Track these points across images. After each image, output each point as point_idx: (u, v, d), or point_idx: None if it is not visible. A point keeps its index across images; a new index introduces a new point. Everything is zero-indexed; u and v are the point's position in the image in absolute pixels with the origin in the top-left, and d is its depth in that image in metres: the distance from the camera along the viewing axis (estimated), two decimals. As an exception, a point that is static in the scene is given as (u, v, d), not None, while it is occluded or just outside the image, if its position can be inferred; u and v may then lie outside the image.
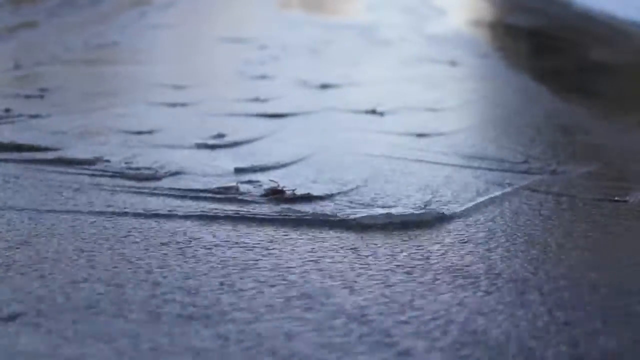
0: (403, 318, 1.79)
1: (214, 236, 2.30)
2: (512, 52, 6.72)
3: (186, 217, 2.46)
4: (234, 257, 2.14)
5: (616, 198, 2.66)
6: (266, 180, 2.80)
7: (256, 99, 4.32)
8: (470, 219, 2.46)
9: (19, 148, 3.24)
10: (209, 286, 1.95)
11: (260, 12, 9.51)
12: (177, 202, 2.60)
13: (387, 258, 2.14)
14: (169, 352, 1.64)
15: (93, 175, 2.90)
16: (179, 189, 2.74)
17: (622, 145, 3.37)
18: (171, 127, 3.68)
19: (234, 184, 2.77)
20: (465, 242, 2.27)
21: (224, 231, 2.34)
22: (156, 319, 1.78)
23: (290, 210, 2.52)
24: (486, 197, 2.66)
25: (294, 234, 2.33)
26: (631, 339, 1.72)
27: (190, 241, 2.26)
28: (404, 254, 2.18)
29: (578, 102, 4.41)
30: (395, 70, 5.47)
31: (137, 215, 2.47)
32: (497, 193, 2.71)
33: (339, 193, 2.69)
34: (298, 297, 1.90)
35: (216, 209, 2.53)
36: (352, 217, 2.45)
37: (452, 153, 3.24)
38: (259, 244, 2.25)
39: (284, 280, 1.99)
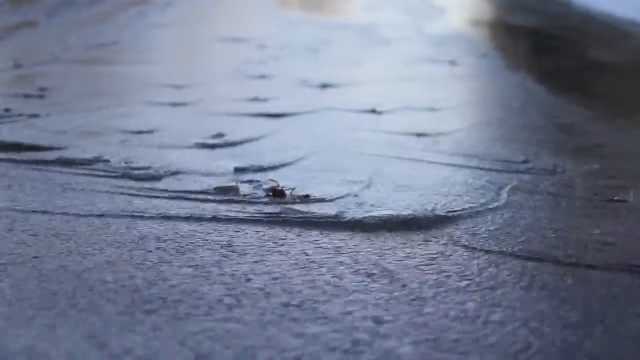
0: (403, 320, 1.79)
1: (214, 236, 2.30)
2: (512, 52, 6.72)
3: (186, 217, 2.46)
4: (234, 258, 2.14)
5: (616, 198, 2.66)
6: (266, 180, 2.80)
7: (256, 99, 4.32)
8: (470, 219, 2.46)
9: (19, 148, 3.24)
10: (208, 286, 1.95)
11: (260, 12, 9.50)
12: (177, 202, 2.60)
13: (387, 258, 2.14)
14: (177, 351, 1.64)
15: (93, 175, 2.90)
16: (178, 189, 2.73)
17: (622, 145, 3.37)
18: (171, 127, 3.68)
19: (234, 184, 2.77)
20: (465, 243, 2.27)
21: (223, 231, 2.34)
22: (156, 319, 1.78)
23: (290, 210, 2.52)
24: (486, 197, 2.66)
25: (293, 234, 2.33)
26: (631, 340, 1.73)
27: (190, 241, 2.26)
28: (404, 254, 2.18)
29: (578, 102, 4.41)
30: (395, 70, 5.47)
31: (137, 215, 2.47)
32: (497, 193, 2.71)
33: (338, 193, 2.69)
34: (298, 297, 1.90)
35: (216, 209, 2.53)
36: (352, 217, 2.45)
37: (452, 153, 3.24)
38: (259, 244, 2.25)
39: (284, 280, 1.99)
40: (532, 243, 2.28)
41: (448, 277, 2.02)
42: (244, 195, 2.68)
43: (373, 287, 1.95)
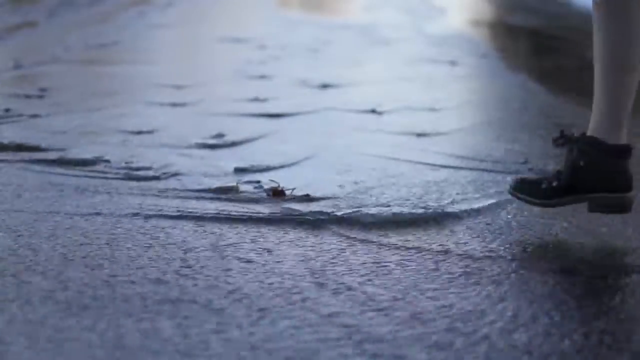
0: (401, 320, 1.79)
1: (214, 236, 2.30)
2: (512, 52, 6.73)
3: (186, 217, 2.46)
4: (234, 257, 2.14)
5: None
6: (266, 180, 2.80)
7: (256, 99, 4.32)
8: (470, 219, 2.46)
9: (19, 148, 3.24)
10: (208, 286, 1.95)
11: (260, 12, 9.50)
12: (177, 202, 2.60)
13: (386, 258, 2.14)
14: (176, 349, 1.64)
15: (93, 175, 2.90)
16: (179, 189, 2.73)
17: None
18: (171, 127, 3.68)
19: (234, 184, 2.76)
20: (464, 242, 2.27)
21: (223, 231, 2.34)
22: (155, 318, 1.78)
23: (290, 210, 2.52)
24: (486, 197, 2.66)
25: (293, 234, 2.33)
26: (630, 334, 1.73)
27: (190, 241, 2.26)
28: (403, 253, 2.17)
29: (577, 101, 4.40)
30: (395, 70, 5.47)
31: (136, 215, 2.47)
32: (497, 193, 2.70)
33: (338, 192, 2.69)
34: (297, 296, 1.90)
35: (216, 209, 2.53)
36: (351, 216, 2.44)
37: (452, 153, 3.24)
38: (258, 243, 2.25)
39: (283, 279, 1.99)
40: (532, 243, 2.28)
41: (445, 276, 2.02)
42: (244, 195, 2.67)
43: (371, 286, 1.95)
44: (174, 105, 4.19)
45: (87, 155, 3.13)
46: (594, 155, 2.23)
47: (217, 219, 2.45)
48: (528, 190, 2.33)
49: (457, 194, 2.69)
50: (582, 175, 2.25)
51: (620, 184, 2.25)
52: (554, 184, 2.28)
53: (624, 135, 2.25)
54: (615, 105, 2.25)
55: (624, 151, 2.24)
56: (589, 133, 2.26)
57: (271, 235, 2.31)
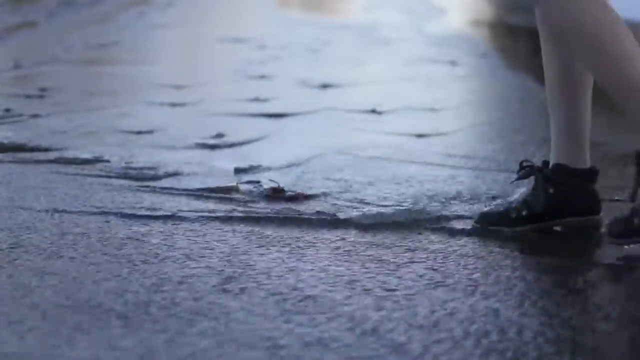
0: (400, 319, 1.79)
1: (214, 236, 2.30)
2: (512, 52, 6.73)
3: (186, 217, 2.46)
4: (234, 257, 2.14)
5: (616, 198, 2.65)
6: (266, 180, 2.80)
7: (256, 99, 4.32)
8: (470, 219, 2.46)
9: (19, 148, 3.24)
10: (208, 286, 1.95)
11: (260, 12, 9.51)
12: (177, 202, 2.60)
13: (386, 258, 2.14)
14: (170, 351, 1.64)
15: (93, 175, 2.90)
16: (179, 189, 2.73)
17: (621, 144, 3.37)
18: (171, 127, 3.68)
19: (234, 184, 2.77)
20: (464, 243, 2.27)
21: (223, 231, 2.34)
22: (155, 318, 1.78)
23: (290, 209, 2.52)
24: (485, 197, 2.66)
25: (293, 234, 2.33)
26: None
27: (190, 241, 2.26)
28: (403, 254, 2.17)
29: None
30: (395, 70, 5.47)
31: (136, 215, 2.47)
32: (497, 193, 2.70)
33: (338, 193, 2.69)
34: (297, 296, 1.90)
35: (216, 209, 2.53)
36: (351, 216, 2.45)
37: (452, 153, 3.24)
38: (258, 243, 2.25)
39: (283, 279, 1.99)
40: (532, 243, 2.28)
41: (445, 277, 2.02)
42: (244, 195, 2.67)
43: (371, 285, 1.95)
44: (174, 105, 4.19)
45: (87, 155, 3.13)
46: (563, 182, 2.25)
47: (217, 218, 2.45)
48: (497, 221, 2.32)
49: (457, 193, 2.69)
50: (553, 201, 2.26)
51: (591, 207, 2.29)
52: (524, 212, 2.30)
53: (588, 158, 2.28)
54: (578, 130, 2.28)
55: (592, 174, 2.27)
56: (553, 160, 2.29)
57: (271, 235, 2.31)
